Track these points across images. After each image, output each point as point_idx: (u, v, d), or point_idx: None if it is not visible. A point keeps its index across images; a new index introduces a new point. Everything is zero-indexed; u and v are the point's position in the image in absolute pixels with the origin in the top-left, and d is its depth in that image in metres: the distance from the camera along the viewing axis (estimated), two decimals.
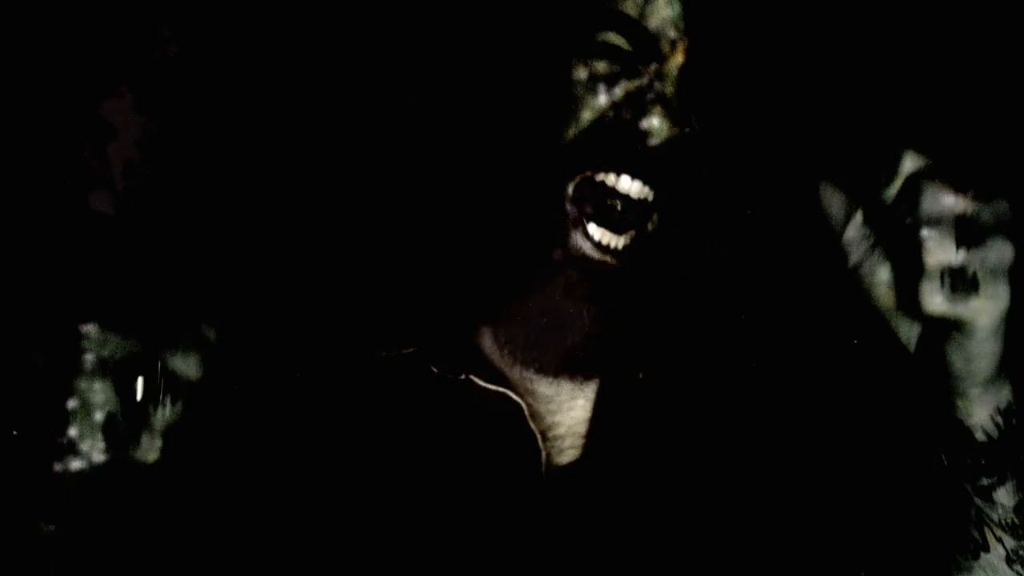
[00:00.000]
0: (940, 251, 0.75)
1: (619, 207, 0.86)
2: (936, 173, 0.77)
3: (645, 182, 0.86)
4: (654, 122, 0.85)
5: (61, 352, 0.73)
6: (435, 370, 0.88)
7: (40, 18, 1.07)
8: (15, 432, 0.84)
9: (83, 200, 1.07)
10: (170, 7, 1.07)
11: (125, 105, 1.07)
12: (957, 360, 0.79)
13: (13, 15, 1.06)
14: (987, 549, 0.81)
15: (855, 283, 0.83)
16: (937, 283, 0.76)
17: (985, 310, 0.76)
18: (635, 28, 0.85)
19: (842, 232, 0.82)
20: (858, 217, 0.83)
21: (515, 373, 0.90)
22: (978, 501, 0.81)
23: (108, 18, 1.07)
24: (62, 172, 1.07)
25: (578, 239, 0.86)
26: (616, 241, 0.86)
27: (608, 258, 0.86)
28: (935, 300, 0.76)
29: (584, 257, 0.86)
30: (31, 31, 1.07)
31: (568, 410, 0.90)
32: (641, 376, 0.90)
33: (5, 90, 1.07)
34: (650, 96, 0.85)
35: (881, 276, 0.82)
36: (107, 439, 0.72)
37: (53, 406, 0.73)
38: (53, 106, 1.07)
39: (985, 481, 0.80)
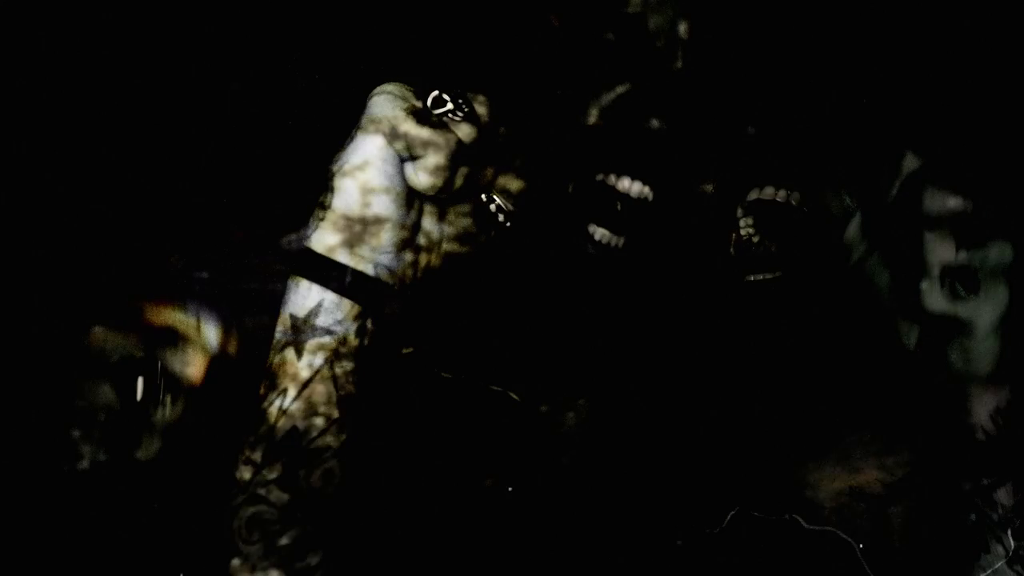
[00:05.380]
0: (941, 251, 0.75)
1: (619, 207, 0.86)
2: (936, 173, 0.77)
3: (645, 183, 0.86)
4: (654, 123, 0.85)
5: (64, 352, 0.73)
6: None
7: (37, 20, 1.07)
8: (18, 432, 0.84)
9: (83, 200, 1.07)
10: None
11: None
12: (957, 359, 0.79)
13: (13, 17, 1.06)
14: (987, 550, 0.81)
15: (856, 282, 0.83)
16: (938, 283, 0.76)
17: (985, 310, 0.76)
18: (635, 27, 0.85)
19: (842, 231, 0.83)
20: (858, 217, 0.83)
21: None
22: (978, 501, 0.81)
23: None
24: (62, 172, 1.07)
25: (579, 238, 0.86)
26: (616, 240, 0.86)
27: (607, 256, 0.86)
28: (936, 300, 0.76)
29: (585, 255, 0.86)
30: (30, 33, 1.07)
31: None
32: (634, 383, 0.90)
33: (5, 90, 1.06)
34: (650, 98, 0.85)
35: (882, 276, 0.82)
36: (109, 439, 0.72)
37: (56, 406, 0.73)
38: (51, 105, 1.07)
39: (985, 481, 0.80)
